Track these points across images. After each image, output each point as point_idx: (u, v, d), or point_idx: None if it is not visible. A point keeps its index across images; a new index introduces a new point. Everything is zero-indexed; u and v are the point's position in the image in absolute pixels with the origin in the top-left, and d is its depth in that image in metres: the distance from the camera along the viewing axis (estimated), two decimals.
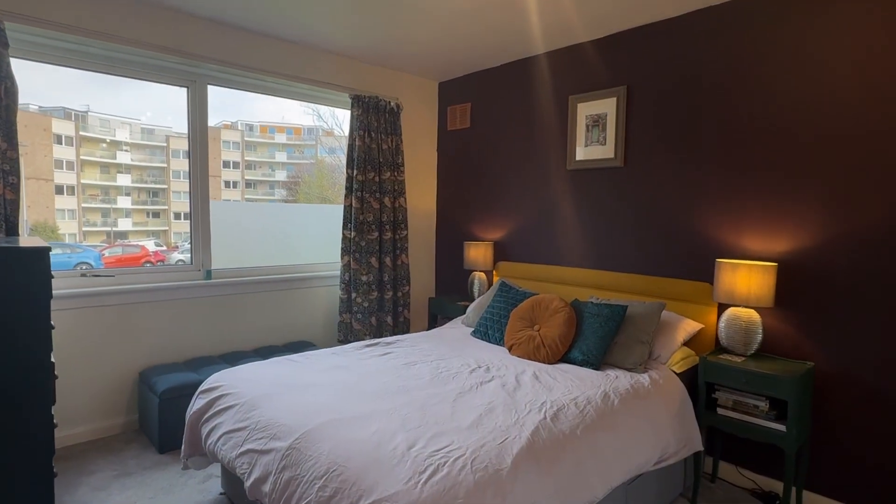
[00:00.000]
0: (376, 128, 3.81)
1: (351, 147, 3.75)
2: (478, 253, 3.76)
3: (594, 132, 3.19)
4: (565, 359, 2.59)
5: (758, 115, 2.51)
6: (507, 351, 2.78)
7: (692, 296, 2.74)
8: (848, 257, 2.27)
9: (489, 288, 3.87)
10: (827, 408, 2.35)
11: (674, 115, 2.83)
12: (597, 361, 2.48)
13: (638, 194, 3.01)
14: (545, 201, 3.52)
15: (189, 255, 3.33)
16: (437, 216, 4.40)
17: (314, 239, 4.13)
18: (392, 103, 3.92)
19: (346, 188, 3.74)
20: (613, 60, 3.09)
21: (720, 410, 2.41)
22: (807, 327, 2.39)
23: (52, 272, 1.85)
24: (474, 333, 3.09)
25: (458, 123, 4.13)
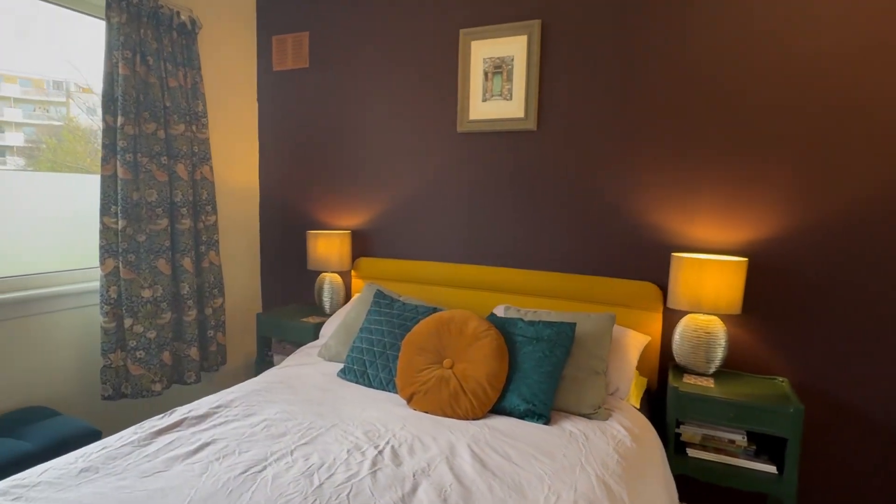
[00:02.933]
0: (156, 52, 2.37)
1: (110, 78, 2.25)
2: (329, 247, 2.66)
3: (496, 82, 2.35)
4: (497, 408, 1.75)
5: (714, 63, 1.97)
6: (406, 402, 1.82)
7: (632, 299, 2.14)
8: (818, 249, 1.88)
9: (349, 296, 2.81)
10: (810, 437, 1.96)
11: (605, 63, 2.16)
12: (546, 410, 1.69)
13: (556, 167, 2.29)
14: (425, 175, 2.59)
15: None
16: (262, 196, 3.11)
17: (54, 231, 2.51)
18: (183, 16, 2.50)
19: (105, 147, 2.25)
20: None
21: (690, 451, 1.85)
22: (774, 335, 1.97)
23: None
24: (345, 374, 2.03)
25: (289, 61, 2.89)
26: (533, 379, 1.73)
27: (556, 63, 2.24)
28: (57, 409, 2.28)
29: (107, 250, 2.28)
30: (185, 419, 1.62)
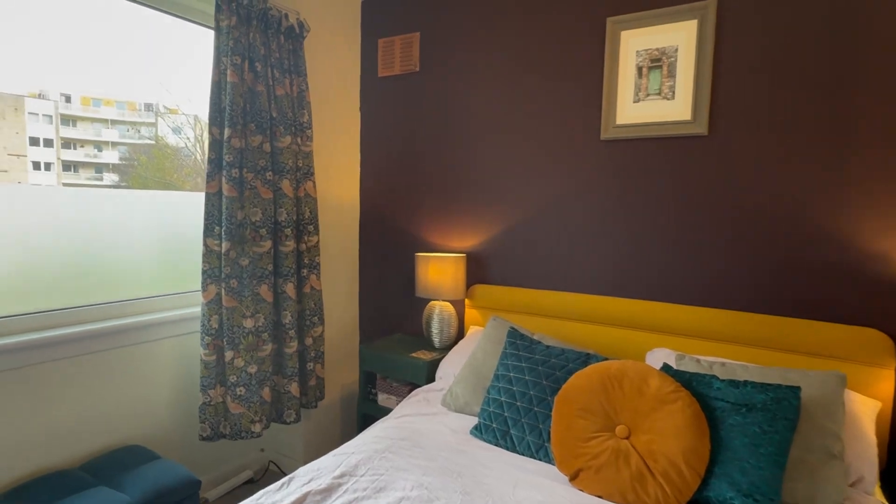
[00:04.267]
0: (264, 58, 2.15)
1: (217, 87, 2.05)
2: (441, 272, 2.34)
3: (653, 78, 1.95)
4: (699, 498, 1.33)
5: None
6: (568, 479, 1.43)
7: (850, 350, 1.65)
8: None
9: (461, 328, 2.47)
10: None
11: (809, 46, 1.70)
12: None
13: (735, 178, 1.84)
14: (556, 191, 2.21)
15: None
16: (362, 213, 2.86)
17: (151, 256, 2.35)
18: (291, 18, 2.29)
19: (211, 162, 2.04)
20: None
21: None
22: None
23: None
24: (481, 433, 1.68)
25: (396, 66, 2.63)
26: (750, 462, 1.30)
27: (738, 52, 1.81)
28: (152, 447, 2.08)
29: (209, 275, 2.06)
30: (307, 495, 1.31)
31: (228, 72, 2.02)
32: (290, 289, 2.27)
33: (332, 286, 2.68)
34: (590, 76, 2.09)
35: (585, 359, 1.70)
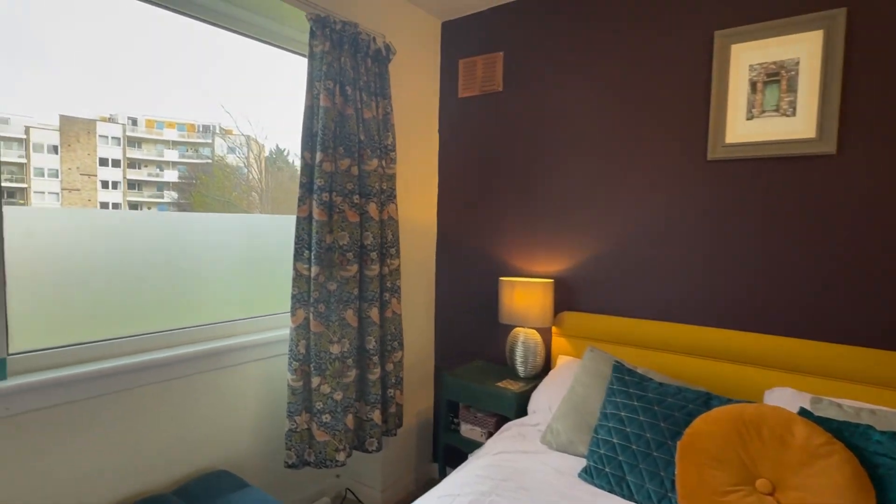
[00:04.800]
0: (353, 81, 2.15)
1: (310, 112, 2.06)
2: (528, 298, 2.24)
3: (769, 94, 1.81)
4: None
5: None
6: None
7: None
8: None
9: (548, 357, 2.36)
10: None
11: None
12: None
13: (866, 202, 1.67)
14: (659, 212, 2.09)
15: None
16: (439, 236, 2.81)
17: (231, 278, 2.37)
18: (378, 42, 2.29)
19: (302, 186, 2.04)
20: None
21: None
22: None
23: None
24: (592, 477, 1.55)
25: (477, 86, 2.58)
26: None
27: (871, 63, 1.65)
28: (237, 472, 2.06)
29: (298, 300, 2.05)
30: None
31: (321, 96, 2.03)
32: (374, 313, 2.23)
33: (409, 310, 2.63)
34: (694, 93, 1.97)
35: (706, 399, 1.55)
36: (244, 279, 2.39)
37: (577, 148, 2.28)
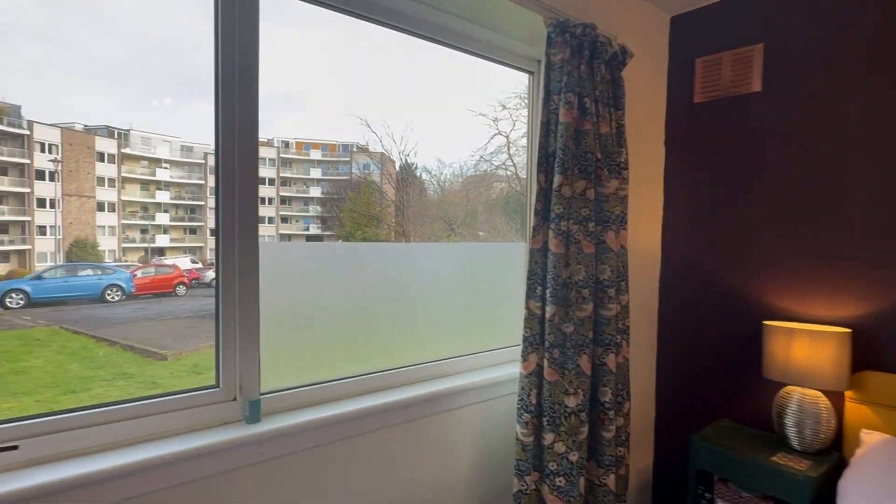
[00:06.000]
0: (591, 91, 1.86)
1: (547, 129, 1.81)
2: (818, 351, 1.74)
3: None
4: None
5: None
6: None
7: None
8: None
9: (841, 428, 1.83)
10: None
11: None
12: None
13: None
14: None
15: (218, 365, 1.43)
16: (664, 265, 2.40)
17: (444, 308, 2.20)
18: (615, 45, 1.99)
19: (538, 214, 1.80)
20: None
21: None
22: None
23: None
24: None
25: (723, 86, 2.15)
26: None
27: None
28: None
29: (530, 343, 1.80)
30: None
31: (561, 111, 1.77)
32: (610, 360, 1.90)
33: (633, 354, 2.26)
34: None
35: None
36: (458, 312, 2.22)
37: (878, 154, 1.74)
